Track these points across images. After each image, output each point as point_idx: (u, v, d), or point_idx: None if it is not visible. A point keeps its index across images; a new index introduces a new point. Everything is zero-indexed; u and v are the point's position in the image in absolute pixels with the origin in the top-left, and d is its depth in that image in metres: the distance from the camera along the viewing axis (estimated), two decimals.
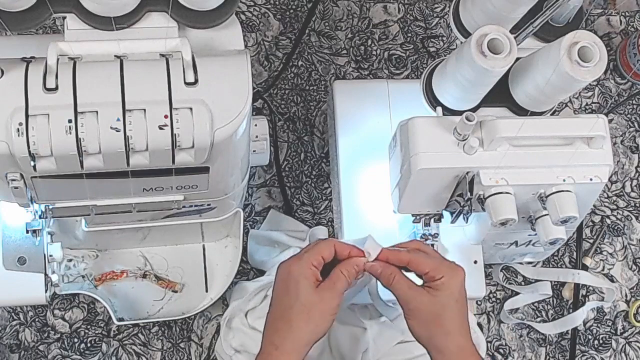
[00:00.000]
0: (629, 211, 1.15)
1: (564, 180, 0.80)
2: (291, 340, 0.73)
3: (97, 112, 0.65)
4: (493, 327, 1.09)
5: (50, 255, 0.91)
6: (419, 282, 0.78)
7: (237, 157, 0.78)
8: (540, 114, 0.88)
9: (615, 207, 1.15)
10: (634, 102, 1.20)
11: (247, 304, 0.96)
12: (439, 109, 0.88)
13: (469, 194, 0.81)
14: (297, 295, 0.74)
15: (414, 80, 1.10)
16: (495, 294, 1.10)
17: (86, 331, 1.02)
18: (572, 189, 0.81)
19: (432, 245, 0.94)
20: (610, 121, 1.17)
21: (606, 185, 1.13)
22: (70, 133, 0.65)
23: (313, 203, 1.10)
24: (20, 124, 0.64)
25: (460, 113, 0.81)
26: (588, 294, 1.11)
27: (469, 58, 0.78)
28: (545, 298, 1.10)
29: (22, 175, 0.70)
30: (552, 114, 0.90)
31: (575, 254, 1.11)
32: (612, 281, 1.12)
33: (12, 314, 1.02)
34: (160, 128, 0.66)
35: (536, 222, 0.87)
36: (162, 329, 1.03)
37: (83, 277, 1.00)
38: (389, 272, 0.76)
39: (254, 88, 0.79)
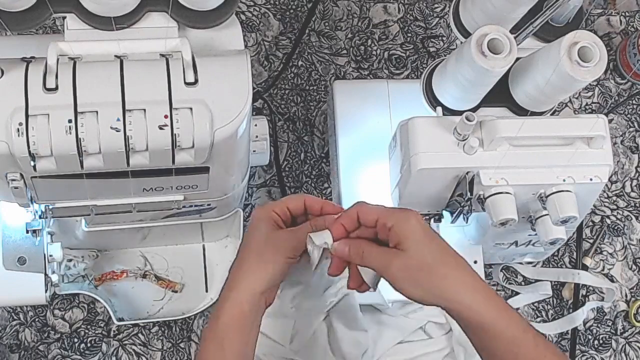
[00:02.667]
0: (629, 211, 1.15)
1: (564, 180, 0.80)
2: (243, 280, 0.70)
3: (97, 112, 0.65)
4: None
5: (50, 255, 0.91)
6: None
7: (237, 157, 0.78)
8: (540, 114, 0.88)
9: (615, 207, 1.15)
10: (634, 102, 1.20)
11: None
12: (439, 109, 0.88)
13: (469, 194, 0.81)
14: (254, 235, 0.72)
15: (414, 80, 1.10)
16: None
17: (86, 331, 1.02)
18: (572, 189, 0.81)
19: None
20: (610, 121, 1.17)
21: (606, 185, 1.13)
22: (70, 133, 0.65)
23: None
24: (20, 124, 0.64)
25: (460, 113, 0.81)
26: (588, 294, 1.11)
27: (469, 58, 0.78)
28: (545, 298, 1.10)
29: (22, 175, 0.70)
30: (552, 114, 0.90)
31: (575, 254, 1.11)
32: (612, 281, 1.12)
33: (12, 314, 1.02)
34: (160, 128, 0.66)
35: (536, 222, 0.87)
36: (162, 329, 1.03)
37: (83, 277, 1.01)
38: (356, 245, 0.70)
39: (254, 88, 0.79)
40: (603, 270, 1.12)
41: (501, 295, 1.09)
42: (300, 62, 1.16)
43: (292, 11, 1.18)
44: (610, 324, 1.10)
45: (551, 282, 1.10)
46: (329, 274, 0.73)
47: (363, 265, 0.70)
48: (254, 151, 0.95)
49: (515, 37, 0.79)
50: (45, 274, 0.92)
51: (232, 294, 0.70)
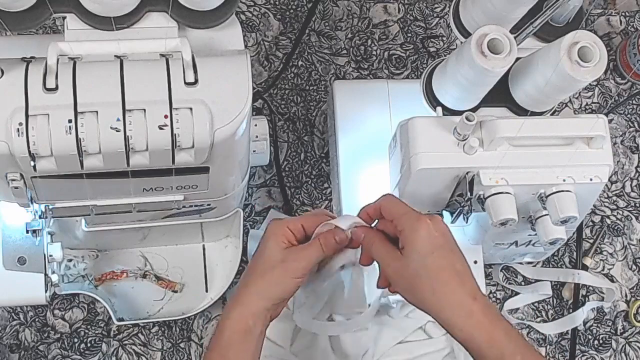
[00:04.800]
0: (629, 211, 1.15)
1: (564, 180, 0.80)
2: (249, 297, 0.71)
3: (97, 112, 0.65)
4: None
5: (50, 255, 0.91)
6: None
7: (237, 157, 0.78)
8: (540, 114, 0.88)
9: (615, 207, 1.15)
10: (634, 102, 1.20)
11: None
12: (439, 109, 0.88)
13: (469, 194, 0.81)
14: (263, 253, 0.73)
15: (414, 80, 1.10)
16: (495, 294, 1.10)
17: (86, 331, 1.02)
18: (572, 189, 0.81)
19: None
20: (610, 121, 1.17)
21: (606, 185, 1.13)
22: (70, 133, 0.65)
23: (313, 203, 1.10)
24: (20, 124, 0.64)
25: (460, 113, 0.81)
26: (588, 294, 1.11)
27: (469, 58, 0.78)
28: (545, 298, 1.10)
29: (22, 175, 0.70)
30: (552, 114, 0.90)
31: (575, 254, 1.11)
32: (612, 281, 1.12)
33: (12, 314, 1.02)
34: (160, 128, 0.66)
35: (536, 222, 0.87)
36: (162, 329, 1.03)
37: (83, 277, 1.01)
38: (371, 235, 0.73)
39: (254, 88, 0.79)
40: (603, 270, 1.12)
41: (501, 295, 1.09)
42: (300, 62, 1.16)
43: (292, 11, 1.18)
44: (610, 324, 1.10)
45: (551, 282, 1.10)
46: (360, 263, 0.75)
47: (372, 256, 0.73)
48: (254, 151, 0.95)
49: (515, 37, 0.79)
50: (45, 274, 0.92)
51: (237, 309, 0.71)
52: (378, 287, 0.75)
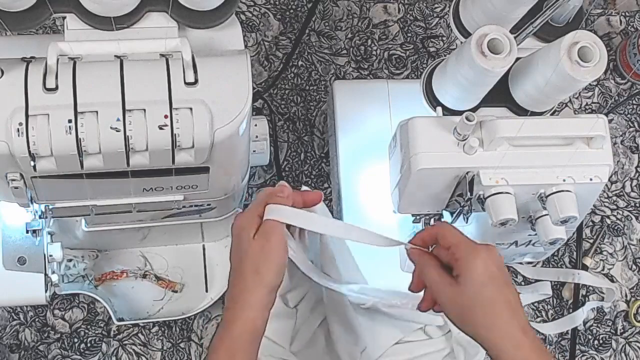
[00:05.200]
0: (629, 211, 1.15)
1: (564, 180, 0.80)
2: (252, 298, 0.72)
3: (97, 112, 0.65)
4: None
5: (50, 255, 0.91)
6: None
7: (237, 157, 0.78)
8: (540, 114, 0.88)
9: (615, 207, 1.15)
10: (634, 102, 1.20)
11: None
12: (439, 109, 0.88)
13: (469, 194, 0.81)
14: (242, 248, 0.73)
15: (414, 80, 1.10)
16: None
17: (86, 331, 1.02)
18: (572, 189, 0.81)
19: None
20: (610, 121, 1.17)
21: (606, 185, 1.13)
22: (70, 133, 0.65)
23: None
24: (20, 124, 0.64)
25: (460, 113, 0.81)
26: (588, 294, 1.11)
27: (469, 58, 0.78)
28: (545, 298, 1.10)
29: (22, 175, 0.70)
30: (552, 114, 0.90)
31: (575, 254, 1.11)
32: (612, 281, 1.12)
33: (12, 314, 1.02)
34: (160, 128, 0.66)
35: (536, 222, 0.87)
36: (162, 329, 1.03)
37: (83, 277, 1.01)
38: (425, 258, 0.73)
39: (254, 88, 0.79)
40: (603, 270, 1.12)
41: None
42: (300, 62, 1.16)
43: (292, 11, 1.18)
44: (610, 324, 1.10)
45: (551, 282, 1.10)
46: (410, 289, 0.76)
47: (421, 279, 0.74)
48: (254, 151, 0.95)
49: (515, 37, 0.79)
50: (45, 274, 0.92)
51: (243, 313, 0.72)
52: (421, 310, 0.76)
